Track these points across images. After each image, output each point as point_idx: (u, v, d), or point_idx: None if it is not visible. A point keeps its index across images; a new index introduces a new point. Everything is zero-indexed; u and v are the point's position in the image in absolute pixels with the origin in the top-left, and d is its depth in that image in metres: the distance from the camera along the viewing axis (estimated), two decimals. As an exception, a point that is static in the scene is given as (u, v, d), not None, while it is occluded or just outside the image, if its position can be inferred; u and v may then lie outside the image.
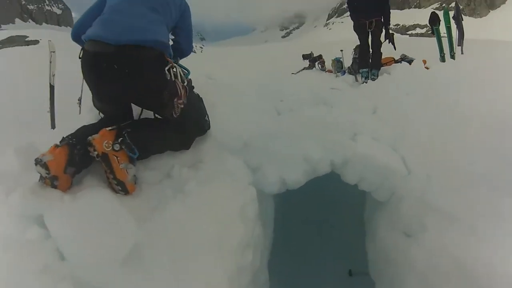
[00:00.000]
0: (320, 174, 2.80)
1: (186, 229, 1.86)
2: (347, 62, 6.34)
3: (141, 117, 2.37)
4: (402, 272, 2.39)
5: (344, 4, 7.28)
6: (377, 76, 5.18)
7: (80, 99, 4.70)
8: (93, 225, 1.62)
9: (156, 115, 2.33)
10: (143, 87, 2.07)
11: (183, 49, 2.60)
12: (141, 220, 1.79)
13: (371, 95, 3.81)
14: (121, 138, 1.94)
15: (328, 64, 6.76)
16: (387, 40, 5.54)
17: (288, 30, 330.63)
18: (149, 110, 2.33)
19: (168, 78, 2.10)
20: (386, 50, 5.60)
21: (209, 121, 2.61)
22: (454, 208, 2.14)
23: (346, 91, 4.20)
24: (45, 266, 1.46)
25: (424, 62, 5.49)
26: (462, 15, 7.03)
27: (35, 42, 22.62)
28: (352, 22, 5.60)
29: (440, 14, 6.72)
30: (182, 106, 2.16)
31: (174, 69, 2.16)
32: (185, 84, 2.23)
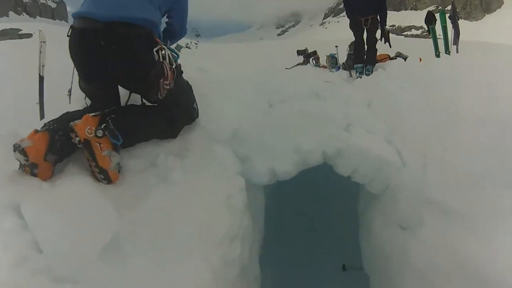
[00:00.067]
0: (311, 165, 2.75)
1: (169, 217, 1.81)
2: (342, 58, 6.32)
3: (128, 104, 2.31)
4: (398, 267, 2.35)
5: (341, 4, 7.30)
6: (372, 72, 5.16)
7: (70, 91, 4.64)
8: (71, 215, 1.57)
9: (144, 101, 2.28)
10: (130, 65, 2.02)
11: (175, 30, 2.53)
12: (122, 208, 1.73)
13: (366, 89, 3.77)
14: (105, 124, 1.88)
15: (323, 60, 6.73)
16: (383, 40, 5.56)
17: (284, 28, 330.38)
18: (135, 92, 2.28)
19: (156, 59, 2.05)
20: (381, 47, 5.61)
21: (197, 109, 2.55)
22: (452, 202, 2.09)
23: (340, 85, 4.14)
24: (21, 259, 1.39)
25: (420, 60, 5.50)
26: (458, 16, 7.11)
27: (28, 35, 22.42)
28: (348, 21, 5.60)
29: (436, 14, 6.77)
30: (168, 87, 2.11)
31: (163, 51, 2.11)
32: (173, 66, 2.17)
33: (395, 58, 5.98)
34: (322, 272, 4.19)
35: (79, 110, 2.16)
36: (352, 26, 5.53)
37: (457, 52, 6.70)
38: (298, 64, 7.14)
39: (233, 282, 2.14)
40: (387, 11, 5.46)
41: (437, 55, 6.64)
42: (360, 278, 3.21)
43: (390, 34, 5.74)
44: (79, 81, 2.22)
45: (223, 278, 1.95)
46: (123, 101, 2.33)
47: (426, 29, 6.98)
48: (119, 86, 2.28)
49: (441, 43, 6.77)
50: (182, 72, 2.46)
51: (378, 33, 5.47)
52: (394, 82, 3.73)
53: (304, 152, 2.67)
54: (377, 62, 5.50)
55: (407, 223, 2.39)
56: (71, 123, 1.81)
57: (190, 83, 2.60)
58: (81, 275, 1.47)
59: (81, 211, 1.61)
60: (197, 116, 2.57)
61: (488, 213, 1.90)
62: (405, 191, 2.47)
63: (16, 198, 1.56)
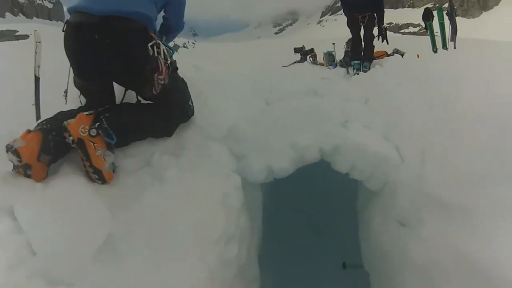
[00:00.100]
0: (309, 162, 2.72)
1: (165, 217, 1.78)
2: (339, 56, 6.33)
3: (123, 102, 2.28)
4: (398, 264, 2.34)
5: (338, 2, 7.30)
6: (369, 68, 5.16)
7: (66, 91, 4.62)
8: (65, 216, 1.55)
9: (139, 98, 2.25)
10: (125, 59, 2.00)
11: (171, 25, 2.49)
12: (117, 208, 1.70)
13: (363, 85, 3.76)
14: (98, 123, 1.85)
15: (320, 58, 6.72)
16: (380, 38, 5.57)
17: (281, 27, 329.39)
18: (130, 87, 2.26)
19: (151, 54, 2.02)
20: (379, 44, 5.62)
21: (193, 107, 2.52)
22: (452, 198, 2.07)
23: (337, 81, 4.12)
24: (16, 262, 1.38)
25: (417, 56, 5.52)
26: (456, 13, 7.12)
27: (25, 36, 22.32)
28: (346, 19, 5.62)
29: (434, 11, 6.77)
30: (163, 82, 2.08)
31: (158, 46, 2.08)
32: (168, 62, 2.15)
33: (393, 55, 6.01)
34: (322, 271, 4.17)
35: (73, 109, 2.12)
36: (349, 24, 5.55)
37: (455, 48, 6.72)
38: (295, 62, 7.12)
39: (230, 282, 2.11)
40: (384, 9, 5.45)
41: (435, 51, 6.64)
42: (360, 276, 3.19)
43: (387, 31, 5.76)
44: (74, 78, 2.20)
45: (219, 278, 1.93)
46: (118, 100, 2.30)
47: (424, 26, 6.99)
48: (114, 85, 2.26)
49: (438, 39, 6.77)
50: (177, 68, 2.43)
51: (375, 30, 5.47)
52: (392, 78, 3.73)
53: (301, 148, 2.64)
54: (375, 59, 5.51)
55: (407, 219, 2.37)
56: (65, 122, 1.78)
57: (185, 81, 2.57)
58: (76, 277, 1.45)
59: (75, 212, 1.58)
60: (193, 114, 2.53)
61: (488, 209, 1.88)
62: (404, 188, 2.45)
63: (9, 200, 1.54)
